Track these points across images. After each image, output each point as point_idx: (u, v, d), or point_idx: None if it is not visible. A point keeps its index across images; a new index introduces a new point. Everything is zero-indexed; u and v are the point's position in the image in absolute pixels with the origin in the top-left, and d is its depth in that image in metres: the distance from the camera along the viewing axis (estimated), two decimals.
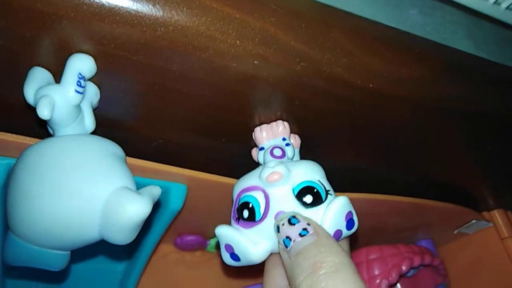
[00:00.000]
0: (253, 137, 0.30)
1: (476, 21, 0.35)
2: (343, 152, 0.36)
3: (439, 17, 0.34)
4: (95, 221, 0.21)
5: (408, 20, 0.32)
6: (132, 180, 0.22)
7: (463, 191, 0.46)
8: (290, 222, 0.23)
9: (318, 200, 0.24)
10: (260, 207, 0.24)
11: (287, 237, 0.22)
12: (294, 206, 0.24)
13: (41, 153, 0.22)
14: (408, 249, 0.44)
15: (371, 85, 0.28)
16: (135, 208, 0.20)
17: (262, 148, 0.29)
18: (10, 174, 0.27)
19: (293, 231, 0.22)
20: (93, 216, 0.21)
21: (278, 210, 0.24)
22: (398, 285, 0.47)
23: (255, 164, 0.31)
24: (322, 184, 0.25)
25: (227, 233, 0.24)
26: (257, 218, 0.24)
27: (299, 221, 0.23)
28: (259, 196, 0.25)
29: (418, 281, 0.48)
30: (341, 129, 0.32)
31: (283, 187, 0.24)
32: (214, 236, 0.43)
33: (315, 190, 0.24)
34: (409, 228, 0.47)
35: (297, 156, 0.30)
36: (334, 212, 0.23)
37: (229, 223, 0.26)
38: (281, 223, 0.23)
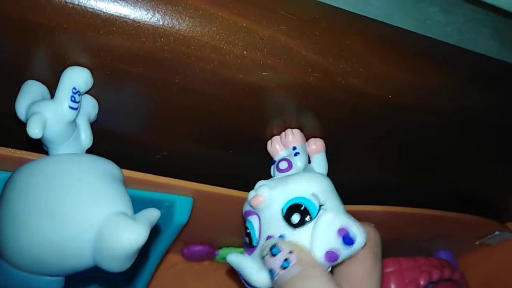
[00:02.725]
0: (269, 152, 0.28)
1: (501, 20, 0.32)
2: (360, 164, 0.34)
3: (461, 15, 0.31)
4: (87, 248, 0.19)
5: (428, 19, 0.29)
6: (129, 203, 0.21)
7: (486, 201, 0.44)
8: (271, 252, 0.20)
9: (306, 218, 0.22)
10: (255, 232, 0.23)
11: (270, 270, 0.20)
12: (282, 228, 0.22)
13: (31, 175, 0.20)
14: (427, 262, 0.42)
15: (390, 96, 0.26)
16: (131, 236, 0.19)
17: (274, 162, 0.27)
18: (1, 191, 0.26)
19: (275, 263, 0.20)
20: (86, 243, 0.19)
21: (268, 234, 0.22)
22: None
23: (264, 176, 0.30)
24: (317, 197, 0.22)
25: (234, 260, 0.23)
26: (254, 243, 0.23)
27: (280, 251, 0.20)
28: (254, 221, 0.24)
29: None
30: (357, 141, 0.30)
31: (271, 209, 0.23)
32: (223, 246, 0.42)
33: (302, 208, 0.22)
34: (428, 239, 0.45)
35: (322, 161, 0.28)
36: (320, 230, 0.21)
37: (238, 234, 0.25)
38: (264, 253, 0.21)
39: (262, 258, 0.21)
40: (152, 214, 0.20)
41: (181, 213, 0.31)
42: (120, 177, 0.22)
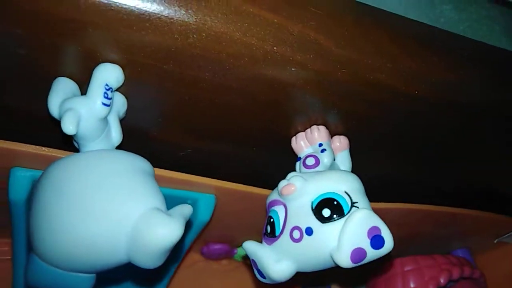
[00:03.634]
0: (293, 148, 0.28)
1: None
2: (380, 160, 0.34)
3: (474, 12, 0.31)
4: (122, 244, 0.19)
5: (441, 17, 0.29)
6: (162, 199, 0.21)
7: (504, 199, 0.43)
8: None
9: (337, 213, 0.22)
10: (280, 222, 0.23)
11: None
12: (310, 221, 0.22)
13: (66, 171, 0.20)
14: (446, 260, 0.41)
15: (416, 92, 0.26)
16: (167, 232, 0.19)
17: (299, 159, 0.27)
18: (33, 188, 0.26)
19: None
20: (120, 239, 0.19)
21: (294, 224, 0.22)
22: None
23: (286, 174, 0.30)
24: (349, 195, 0.22)
25: (251, 248, 0.24)
26: (276, 233, 0.23)
27: None
28: (280, 211, 0.24)
29: None
30: (381, 137, 0.30)
31: (300, 200, 0.23)
32: (241, 245, 0.42)
33: (335, 203, 0.22)
34: (445, 237, 0.45)
35: (346, 158, 0.28)
36: (351, 226, 0.21)
37: (258, 233, 0.25)
38: None
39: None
40: (185, 210, 0.20)
41: (204, 210, 0.31)
42: (152, 173, 0.22)
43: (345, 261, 0.21)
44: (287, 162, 0.29)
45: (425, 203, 0.36)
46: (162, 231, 0.19)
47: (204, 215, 0.31)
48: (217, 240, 0.40)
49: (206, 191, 0.30)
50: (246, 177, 0.31)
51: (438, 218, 0.38)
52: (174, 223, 0.19)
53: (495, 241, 0.47)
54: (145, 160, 0.22)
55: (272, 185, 0.26)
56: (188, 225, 0.32)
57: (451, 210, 0.37)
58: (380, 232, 0.21)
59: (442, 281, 0.39)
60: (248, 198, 0.31)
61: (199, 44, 0.21)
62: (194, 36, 0.21)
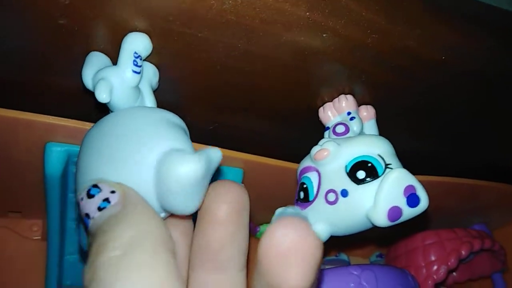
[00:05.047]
0: (320, 119, 0.29)
1: None
2: (406, 132, 0.34)
3: None
4: (150, 189, 0.18)
5: None
6: (190, 144, 0.19)
7: None
8: (89, 194, 0.17)
9: (372, 175, 0.22)
10: (313, 187, 0.24)
11: (86, 215, 0.16)
12: (345, 183, 0.22)
13: (97, 128, 0.20)
14: (466, 233, 0.42)
15: (443, 58, 0.26)
16: (186, 168, 0.17)
17: (327, 128, 0.28)
18: (70, 158, 0.27)
19: (92, 205, 0.16)
20: (147, 184, 0.18)
21: (329, 188, 0.23)
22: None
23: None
24: (382, 158, 0.23)
25: (284, 213, 0.23)
26: (310, 198, 0.24)
27: (100, 190, 0.16)
28: (313, 176, 0.24)
29: (474, 267, 0.47)
30: (407, 107, 0.30)
31: (334, 165, 0.23)
32: (265, 223, 0.42)
33: (369, 165, 0.22)
34: (464, 211, 0.45)
35: (373, 128, 0.28)
36: (388, 185, 0.21)
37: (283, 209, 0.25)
38: (80, 196, 0.17)
39: (77, 204, 0.17)
40: (211, 151, 0.19)
41: None
42: (183, 127, 0.21)
43: (382, 219, 0.21)
44: (315, 134, 0.29)
45: (447, 176, 0.36)
46: (182, 166, 0.17)
47: None
48: None
49: (234, 165, 0.31)
50: (273, 151, 0.32)
51: (460, 191, 0.39)
52: (194, 159, 0.17)
53: None
54: (178, 117, 0.21)
55: (300, 159, 0.26)
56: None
57: (472, 182, 0.38)
58: (416, 191, 0.22)
59: (463, 253, 0.40)
60: (275, 172, 0.31)
61: (234, 10, 0.21)
62: (230, 2, 0.21)
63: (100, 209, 0.16)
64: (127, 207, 0.16)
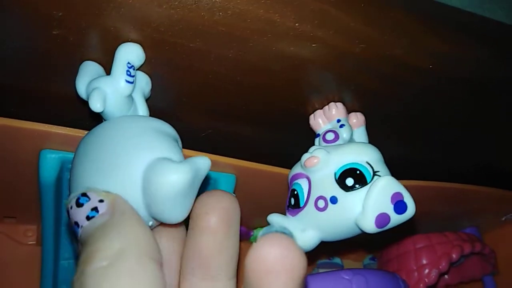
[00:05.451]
0: (311, 126, 0.29)
1: None
2: (392, 139, 0.35)
3: None
4: (139, 198, 0.18)
5: None
6: (180, 154, 0.20)
7: None
8: (78, 202, 0.17)
9: (360, 182, 0.23)
10: (304, 193, 0.24)
11: (75, 224, 0.16)
12: (334, 190, 0.23)
13: (89, 137, 0.21)
14: (457, 237, 0.42)
15: (431, 67, 0.27)
16: (173, 176, 0.17)
17: (318, 135, 0.28)
18: (64, 165, 0.27)
19: (81, 214, 0.16)
20: (135, 193, 0.18)
21: (318, 194, 0.23)
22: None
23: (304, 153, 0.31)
24: (370, 165, 0.23)
25: (276, 220, 0.25)
26: (301, 204, 0.24)
27: (89, 199, 0.17)
28: (303, 183, 0.25)
29: (465, 271, 0.47)
30: (395, 114, 0.31)
31: (323, 172, 0.24)
32: (258, 227, 0.43)
33: (358, 172, 0.23)
34: (454, 215, 0.46)
35: (362, 135, 0.29)
36: (375, 192, 0.22)
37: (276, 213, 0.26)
38: (69, 205, 0.17)
39: (67, 212, 0.17)
40: (199, 160, 0.19)
41: (225, 190, 0.32)
42: (175, 136, 0.22)
43: (370, 226, 0.22)
44: (306, 141, 0.30)
45: (436, 180, 0.37)
46: (168, 175, 0.17)
47: None
48: None
49: (226, 171, 0.31)
50: (265, 157, 0.32)
51: (449, 195, 0.39)
52: (180, 167, 0.17)
53: (503, 219, 0.48)
54: (170, 126, 0.22)
55: (291, 165, 0.27)
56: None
57: (461, 186, 0.38)
58: (403, 198, 0.22)
59: (454, 256, 0.40)
60: (268, 178, 0.32)
61: (224, 21, 0.22)
62: (220, 13, 0.21)
63: (88, 218, 0.16)
64: (115, 216, 0.16)
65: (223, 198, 0.18)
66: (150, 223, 0.19)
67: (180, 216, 0.18)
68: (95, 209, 0.16)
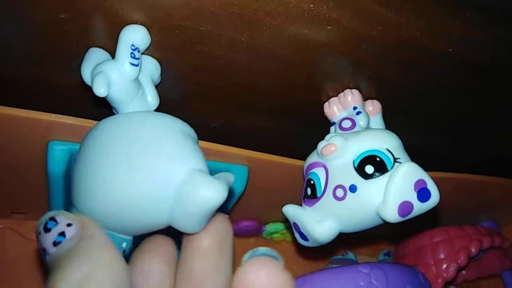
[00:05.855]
0: (325, 114, 0.28)
1: None
2: (410, 126, 0.34)
3: None
4: (166, 204, 0.19)
5: None
6: (205, 162, 0.20)
7: None
8: (45, 227, 0.16)
9: (381, 169, 0.22)
10: (321, 183, 0.23)
11: (43, 250, 0.16)
12: (353, 179, 0.22)
13: (109, 129, 0.20)
14: (475, 231, 0.41)
15: (450, 50, 0.26)
16: (212, 194, 0.18)
17: (333, 123, 0.27)
18: (73, 157, 0.26)
19: (48, 240, 0.16)
20: (165, 199, 0.19)
21: (337, 183, 0.22)
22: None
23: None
24: (390, 152, 0.22)
25: (291, 211, 0.24)
26: (318, 194, 0.23)
27: (57, 224, 0.16)
28: (320, 172, 0.24)
29: (483, 266, 0.46)
30: (412, 101, 0.30)
31: (341, 160, 0.23)
32: (270, 222, 0.42)
33: (378, 159, 0.22)
34: (473, 208, 0.45)
35: (379, 122, 0.28)
36: (398, 179, 0.21)
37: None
38: (38, 231, 0.16)
39: (36, 237, 0.17)
40: (228, 177, 0.20)
41: (238, 182, 0.31)
42: (195, 138, 0.22)
43: (393, 215, 0.21)
44: (320, 131, 0.29)
45: (455, 172, 0.36)
46: (207, 192, 0.18)
47: (237, 187, 0.31)
48: (245, 217, 0.40)
49: (239, 162, 0.31)
50: (278, 148, 0.31)
51: (467, 187, 0.38)
52: (219, 186, 0.18)
53: None
54: (189, 126, 0.22)
55: (304, 156, 0.26)
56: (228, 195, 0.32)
57: (481, 178, 0.37)
58: (426, 185, 0.21)
59: (473, 250, 0.39)
60: (281, 169, 0.31)
61: (236, 2, 0.21)
62: None
63: (55, 243, 0.16)
64: (83, 240, 0.16)
65: (216, 220, 0.18)
66: (124, 244, 0.20)
67: (199, 229, 0.18)
68: (62, 233, 0.16)
